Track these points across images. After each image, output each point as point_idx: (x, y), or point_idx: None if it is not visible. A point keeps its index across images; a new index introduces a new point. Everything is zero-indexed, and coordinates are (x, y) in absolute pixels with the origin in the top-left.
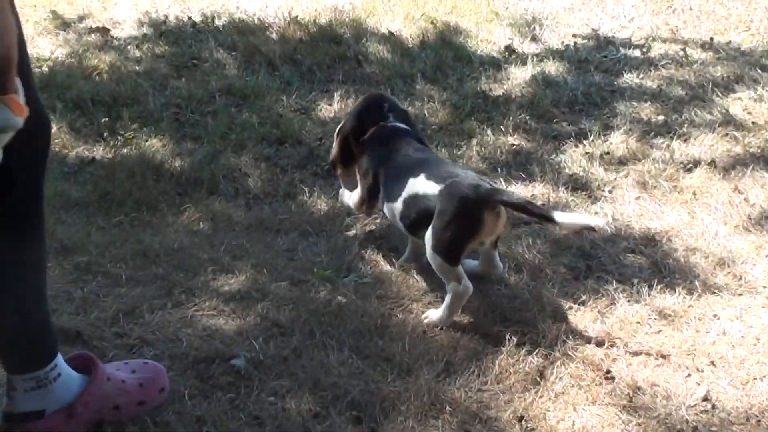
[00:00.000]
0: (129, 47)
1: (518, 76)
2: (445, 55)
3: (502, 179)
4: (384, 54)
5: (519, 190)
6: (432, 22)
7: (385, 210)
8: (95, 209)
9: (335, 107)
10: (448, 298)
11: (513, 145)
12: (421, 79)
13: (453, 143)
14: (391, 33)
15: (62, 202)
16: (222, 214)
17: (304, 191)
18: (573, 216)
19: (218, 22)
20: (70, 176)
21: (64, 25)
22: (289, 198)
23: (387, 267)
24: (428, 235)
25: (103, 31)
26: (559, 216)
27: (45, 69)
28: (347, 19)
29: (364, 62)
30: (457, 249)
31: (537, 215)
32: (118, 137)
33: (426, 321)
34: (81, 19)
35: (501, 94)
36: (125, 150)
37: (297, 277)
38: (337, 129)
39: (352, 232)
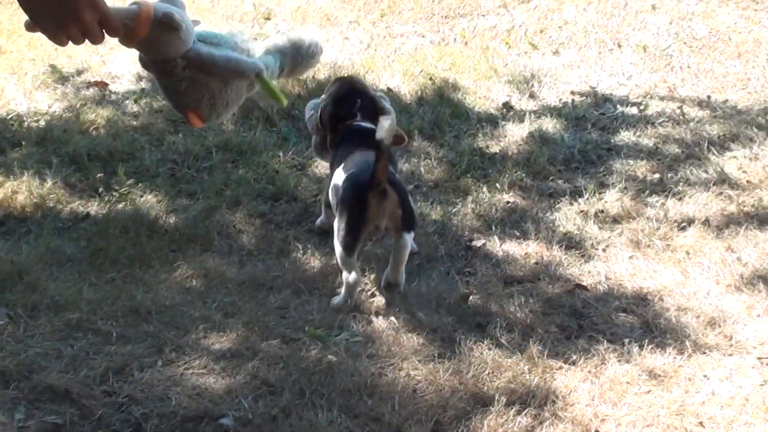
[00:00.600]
0: (127, 102)
1: (515, 133)
2: (442, 111)
3: (496, 236)
4: None
5: (513, 249)
6: (431, 79)
7: None
8: (88, 265)
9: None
10: (344, 289)
11: (508, 202)
12: (419, 136)
13: (448, 200)
14: (389, 89)
15: (55, 257)
16: (215, 271)
17: (298, 248)
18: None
19: None
20: (63, 232)
21: (63, 79)
22: (283, 255)
23: (378, 325)
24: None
25: (102, 85)
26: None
27: (42, 123)
28: (346, 75)
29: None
30: (351, 238)
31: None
32: (113, 193)
33: (331, 305)
34: (79, 73)
35: (498, 151)
36: (120, 206)
37: (288, 335)
38: (312, 113)
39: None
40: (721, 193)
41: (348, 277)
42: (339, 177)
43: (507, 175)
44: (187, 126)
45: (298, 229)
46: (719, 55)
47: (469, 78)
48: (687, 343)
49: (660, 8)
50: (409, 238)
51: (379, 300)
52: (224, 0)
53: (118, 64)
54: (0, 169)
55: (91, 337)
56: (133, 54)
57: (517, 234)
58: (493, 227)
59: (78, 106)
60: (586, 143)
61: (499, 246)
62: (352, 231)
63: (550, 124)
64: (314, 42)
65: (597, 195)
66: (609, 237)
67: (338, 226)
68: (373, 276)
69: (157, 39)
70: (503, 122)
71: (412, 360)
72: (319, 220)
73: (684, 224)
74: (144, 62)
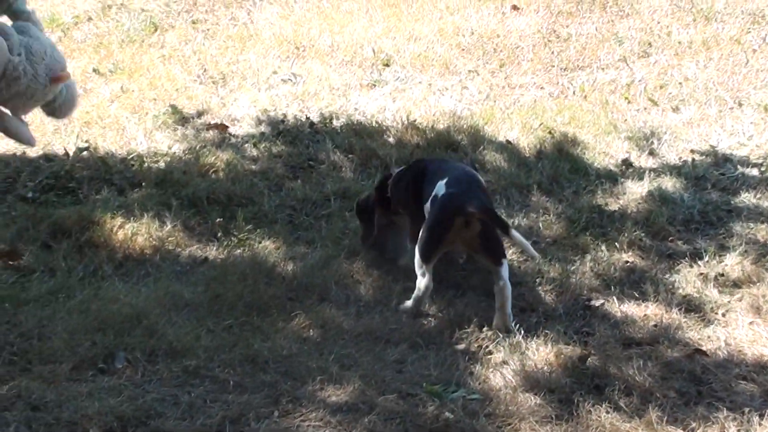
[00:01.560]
0: (246, 145)
1: (635, 191)
2: (561, 166)
3: (615, 297)
4: (501, 162)
5: (632, 310)
6: (550, 132)
7: None
8: (206, 311)
9: None
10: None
11: (627, 262)
12: (537, 191)
13: (566, 258)
14: (508, 141)
15: (173, 302)
16: (332, 322)
17: None
18: (522, 240)
19: (336, 123)
20: (182, 276)
21: (183, 120)
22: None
23: (496, 382)
24: None
25: (221, 127)
26: (513, 232)
27: (162, 164)
28: (465, 126)
29: (481, 171)
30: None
31: (499, 225)
32: (232, 237)
33: (400, 308)
34: (200, 114)
35: (617, 209)
36: (238, 251)
37: (405, 390)
38: None
39: (461, 346)
40: None
41: (421, 281)
42: (440, 189)
43: (626, 234)
44: (306, 172)
45: (415, 281)
46: None
47: (588, 133)
48: None
49: None
50: (503, 273)
51: (497, 356)
52: (344, 45)
53: (238, 107)
54: (120, 210)
55: (208, 384)
56: (253, 97)
57: (636, 295)
58: (612, 287)
59: (198, 148)
60: (706, 204)
61: (617, 306)
62: (431, 243)
63: (669, 183)
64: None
65: (717, 258)
66: (729, 301)
67: (421, 233)
68: (489, 333)
69: None
70: (622, 179)
71: (529, 420)
72: (403, 259)
73: None
74: None
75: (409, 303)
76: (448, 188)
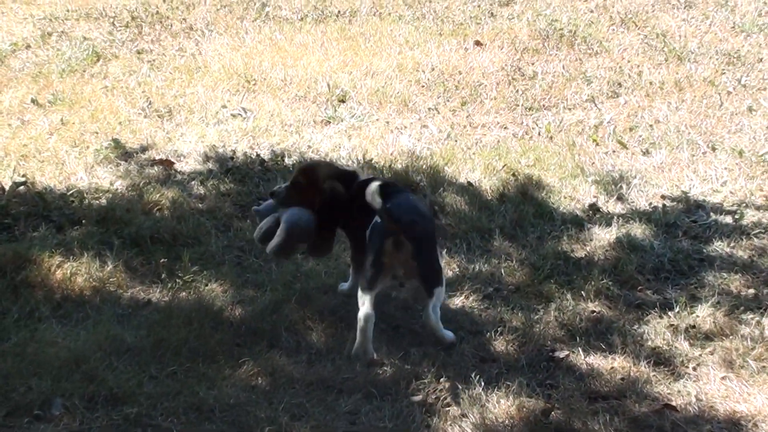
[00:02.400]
0: (193, 182)
1: (602, 238)
2: (525, 210)
3: (580, 348)
4: (461, 205)
5: (598, 362)
6: (513, 174)
7: None
8: (148, 356)
9: None
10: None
11: (593, 312)
12: (500, 235)
13: (530, 306)
14: (469, 183)
15: (114, 346)
16: (282, 370)
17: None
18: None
19: (288, 161)
20: (124, 319)
21: (126, 155)
22: (355, 356)
23: None
24: None
25: (167, 163)
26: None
27: (104, 201)
28: (424, 166)
29: (440, 213)
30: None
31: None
32: (177, 279)
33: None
34: (144, 149)
35: (583, 256)
36: (183, 293)
37: None
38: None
39: (418, 397)
40: None
41: (360, 312)
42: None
43: (593, 283)
44: None
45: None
46: None
47: (554, 175)
48: None
49: (757, 111)
50: (431, 302)
51: (455, 409)
52: (297, 80)
53: (184, 142)
54: (59, 249)
55: None
56: (201, 132)
57: (603, 346)
58: (578, 338)
59: (141, 184)
60: (677, 252)
61: (583, 358)
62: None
63: (638, 230)
64: None
65: (688, 309)
66: (700, 355)
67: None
68: (447, 384)
69: None
70: (589, 225)
71: None
72: (346, 285)
73: None
74: None
75: (357, 341)
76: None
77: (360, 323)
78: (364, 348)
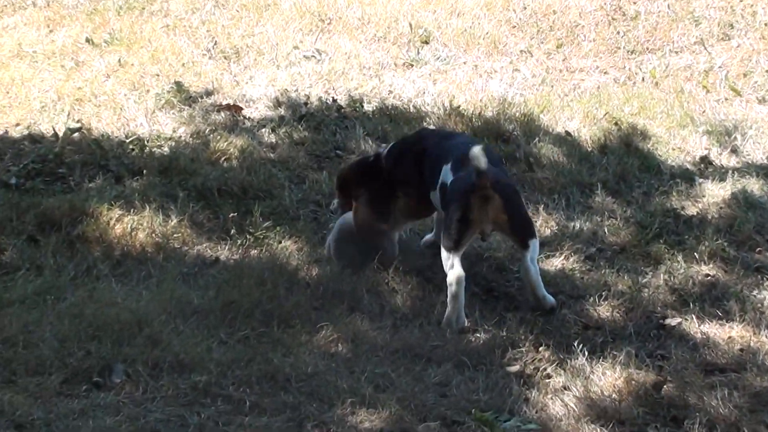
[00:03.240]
0: (263, 130)
1: (715, 194)
2: (629, 163)
3: (693, 315)
4: (559, 157)
5: (714, 331)
6: (616, 123)
7: None
8: (217, 320)
9: None
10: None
11: (708, 275)
12: (602, 190)
13: (637, 269)
14: (567, 133)
15: (179, 308)
16: (364, 336)
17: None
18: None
19: (367, 108)
20: (189, 278)
21: (190, 99)
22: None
23: (556, 411)
24: None
25: (234, 109)
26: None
27: (166, 149)
28: (517, 114)
29: (536, 166)
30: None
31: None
32: (247, 236)
33: (441, 325)
34: (209, 94)
35: (695, 213)
36: (254, 251)
37: (450, 417)
38: None
39: (515, 367)
40: None
41: (451, 274)
42: (446, 175)
43: (706, 243)
44: (332, 162)
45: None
46: None
47: (660, 125)
48: None
49: None
50: (527, 254)
51: (556, 381)
52: (377, 18)
53: (253, 86)
54: (118, 201)
55: (221, 404)
56: (271, 75)
57: (719, 314)
58: (691, 304)
59: (207, 132)
60: None
61: (697, 326)
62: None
63: (756, 186)
64: None
65: None
66: None
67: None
68: (547, 353)
69: None
70: (701, 180)
71: None
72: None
73: None
74: None
75: (448, 308)
76: (455, 173)
77: (451, 288)
78: (456, 315)
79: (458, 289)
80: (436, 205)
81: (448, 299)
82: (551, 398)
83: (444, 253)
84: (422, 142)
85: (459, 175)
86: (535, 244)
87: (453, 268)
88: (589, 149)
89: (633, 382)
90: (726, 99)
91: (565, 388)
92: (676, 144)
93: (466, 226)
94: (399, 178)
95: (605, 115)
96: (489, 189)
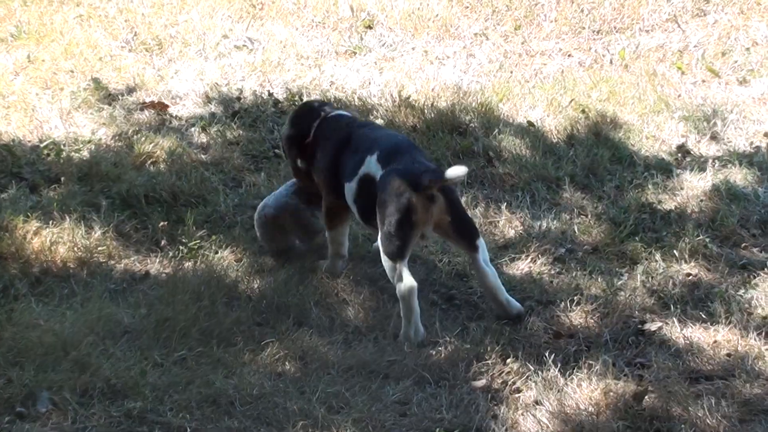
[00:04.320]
0: (192, 130)
1: (695, 186)
2: (599, 154)
3: (675, 319)
4: (522, 150)
5: (698, 335)
6: (583, 111)
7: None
8: (151, 340)
9: None
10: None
11: (689, 275)
12: (570, 185)
13: (611, 270)
14: (530, 123)
15: (108, 328)
16: (314, 352)
17: (422, 325)
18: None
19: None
20: (117, 295)
21: (110, 97)
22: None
23: (528, 427)
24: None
25: (160, 107)
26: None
27: (85, 153)
28: (474, 104)
29: (496, 160)
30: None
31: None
32: (180, 246)
33: (398, 340)
34: (130, 91)
35: (673, 208)
36: (188, 263)
37: None
38: None
39: (481, 382)
40: None
41: (401, 285)
42: (371, 167)
43: (686, 240)
44: (270, 162)
45: (420, 299)
46: None
47: (632, 112)
48: None
49: None
50: (480, 256)
51: (527, 395)
52: (313, 2)
53: (180, 81)
54: (35, 212)
55: None
56: (199, 68)
57: (703, 316)
58: (672, 306)
59: (130, 133)
60: None
61: (679, 331)
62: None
63: (739, 175)
64: None
65: None
66: None
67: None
68: (516, 365)
69: None
70: (678, 171)
71: None
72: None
73: None
74: None
75: (403, 322)
76: (386, 165)
77: (404, 301)
78: (414, 328)
79: (411, 300)
80: (347, 198)
81: (402, 313)
82: (522, 414)
83: (388, 263)
84: (349, 127)
85: (392, 168)
86: (483, 243)
87: (402, 278)
88: (555, 140)
89: (611, 394)
90: (703, 81)
91: (536, 403)
92: (650, 132)
93: (411, 230)
94: (317, 159)
95: (571, 102)
96: (432, 188)
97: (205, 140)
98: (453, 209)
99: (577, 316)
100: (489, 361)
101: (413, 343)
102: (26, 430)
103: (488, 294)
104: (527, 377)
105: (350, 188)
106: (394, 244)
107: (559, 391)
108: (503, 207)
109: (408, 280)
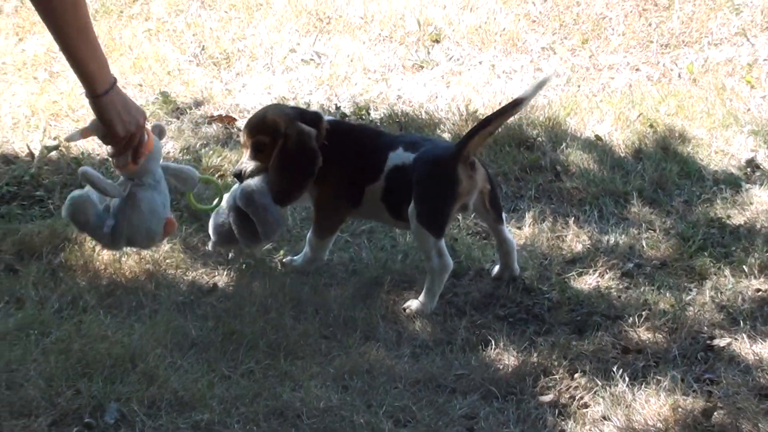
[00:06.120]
0: None
1: (764, 201)
2: (668, 169)
3: (744, 335)
4: (589, 164)
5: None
6: (651, 125)
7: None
8: (218, 352)
9: (526, 231)
10: (428, 280)
11: (759, 290)
12: (638, 200)
13: (680, 285)
14: (598, 137)
15: (176, 341)
16: (381, 366)
17: (488, 340)
18: (530, 85)
19: (374, 115)
20: (185, 308)
21: (177, 111)
22: (468, 348)
23: None
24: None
25: (227, 120)
26: (524, 93)
27: None
28: (541, 118)
29: (563, 174)
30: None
31: (506, 111)
32: (247, 259)
33: (408, 312)
34: (198, 104)
35: (742, 222)
36: (256, 276)
37: None
38: None
39: (548, 396)
40: None
41: (436, 262)
42: (401, 158)
43: (756, 255)
44: None
45: (486, 314)
46: None
47: (700, 126)
48: None
49: None
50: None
51: (594, 410)
52: (380, 16)
53: (247, 94)
54: None
55: None
56: (266, 82)
57: None
58: (741, 322)
59: (198, 146)
60: None
61: (749, 347)
62: (440, 210)
63: None
64: None
65: None
66: None
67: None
68: (583, 380)
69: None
70: (747, 185)
71: None
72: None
73: None
74: None
75: (426, 298)
76: (418, 151)
77: (438, 276)
78: (433, 303)
79: (443, 278)
80: (369, 201)
81: (428, 287)
82: (589, 429)
83: (430, 239)
84: (358, 131)
85: (426, 149)
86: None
87: (441, 255)
88: (623, 155)
89: (680, 410)
90: None
91: (604, 418)
92: (719, 146)
93: (454, 201)
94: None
95: (639, 116)
96: (473, 158)
97: None
98: (490, 178)
99: (645, 332)
100: (556, 376)
101: (426, 314)
102: None
103: (505, 261)
104: (595, 392)
105: (375, 188)
106: (438, 219)
107: (627, 406)
108: (570, 221)
109: (447, 258)
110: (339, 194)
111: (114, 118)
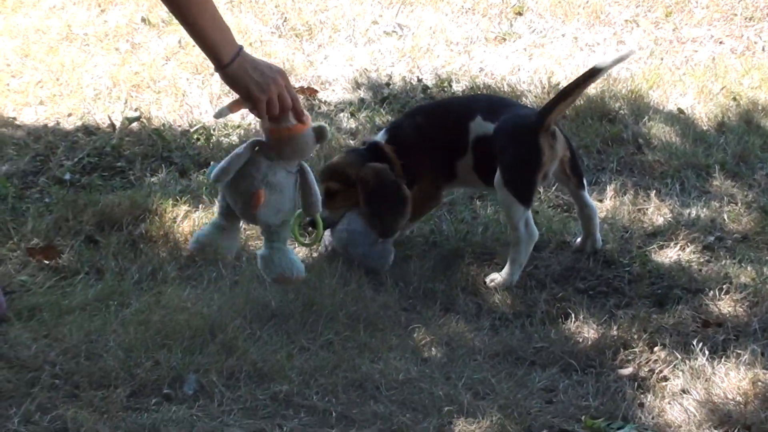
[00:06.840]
0: (341, 115)
1: None
2: (750, 142)
3: None
4: (671, 137)
5: None
6: (734, 99)
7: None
8: (297, 324)
9: (607, 204)
10: (512, 250)
11: None
12: (720, 173)
13: (761, 259)
14: (680, 110)
15: (256, 312)
16: (460, 339)
17: (568, 313)
18: (610, 55)
19: (456, 87)
20: (265, 280)
21: None
22: (548, 321)
23: (675, 416)
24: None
25: (309, 92)
26: (600, 62)
27: (235, 138)
28: (624, 91)
29: (645, 147)
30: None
31: (584, 80)
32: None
33: (492, 285)
34: None
35: None
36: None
37: (557, 425)
38: None
39: (628, 370)
40: None
41: (523, 232)
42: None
43: None
44: None
45: (566, 287)
46: None
47: None
48: None
49: None
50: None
51: (674, 383)
52: None
53: (329, 66)
54: (184, 196)
55: (305, 416)
56: (348, 53)
57: None
58: None
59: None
60: None
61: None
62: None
63: None
64: None
65: None
66: None
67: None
68: (663, 353)
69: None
70: None
71: None
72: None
73: None
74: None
75: (511, 269)
76: (497, 119)
77: (524, 245)
78: (517, 274)
79: (529, 248)
80: (464, 175)
81: (513, 258)
82: (669, 403)
83: (519, 209)
84: (417, 114)
85: (506, 118)
86: None
87: (528, 225)
88: (705, 128)
89: (760, 384)
90: None
91: (684, 392)
92: None
93: (539, 170)
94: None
95: (722, 89)
96: (553, 125)
97: (353, 125)
98: (570, 145)
99: (725, 305)
100: (636, 349)
101: (510, 285)
102: (173, 412)
103: (587, 228)
104: (674, 366)
105: (466, 161)
106: (527, 189)
107: (706, 380)
108: (652, 194)
109: (533, 228)
110: (435, 180)
111: (249, 83)
